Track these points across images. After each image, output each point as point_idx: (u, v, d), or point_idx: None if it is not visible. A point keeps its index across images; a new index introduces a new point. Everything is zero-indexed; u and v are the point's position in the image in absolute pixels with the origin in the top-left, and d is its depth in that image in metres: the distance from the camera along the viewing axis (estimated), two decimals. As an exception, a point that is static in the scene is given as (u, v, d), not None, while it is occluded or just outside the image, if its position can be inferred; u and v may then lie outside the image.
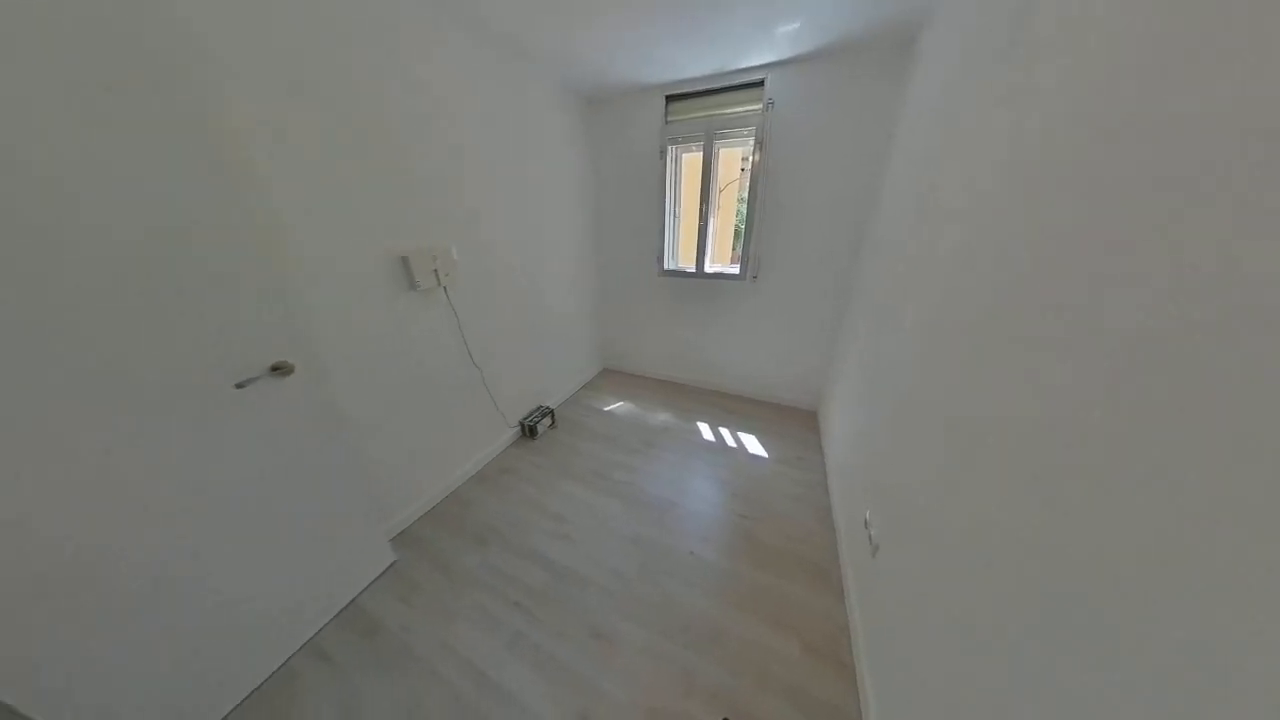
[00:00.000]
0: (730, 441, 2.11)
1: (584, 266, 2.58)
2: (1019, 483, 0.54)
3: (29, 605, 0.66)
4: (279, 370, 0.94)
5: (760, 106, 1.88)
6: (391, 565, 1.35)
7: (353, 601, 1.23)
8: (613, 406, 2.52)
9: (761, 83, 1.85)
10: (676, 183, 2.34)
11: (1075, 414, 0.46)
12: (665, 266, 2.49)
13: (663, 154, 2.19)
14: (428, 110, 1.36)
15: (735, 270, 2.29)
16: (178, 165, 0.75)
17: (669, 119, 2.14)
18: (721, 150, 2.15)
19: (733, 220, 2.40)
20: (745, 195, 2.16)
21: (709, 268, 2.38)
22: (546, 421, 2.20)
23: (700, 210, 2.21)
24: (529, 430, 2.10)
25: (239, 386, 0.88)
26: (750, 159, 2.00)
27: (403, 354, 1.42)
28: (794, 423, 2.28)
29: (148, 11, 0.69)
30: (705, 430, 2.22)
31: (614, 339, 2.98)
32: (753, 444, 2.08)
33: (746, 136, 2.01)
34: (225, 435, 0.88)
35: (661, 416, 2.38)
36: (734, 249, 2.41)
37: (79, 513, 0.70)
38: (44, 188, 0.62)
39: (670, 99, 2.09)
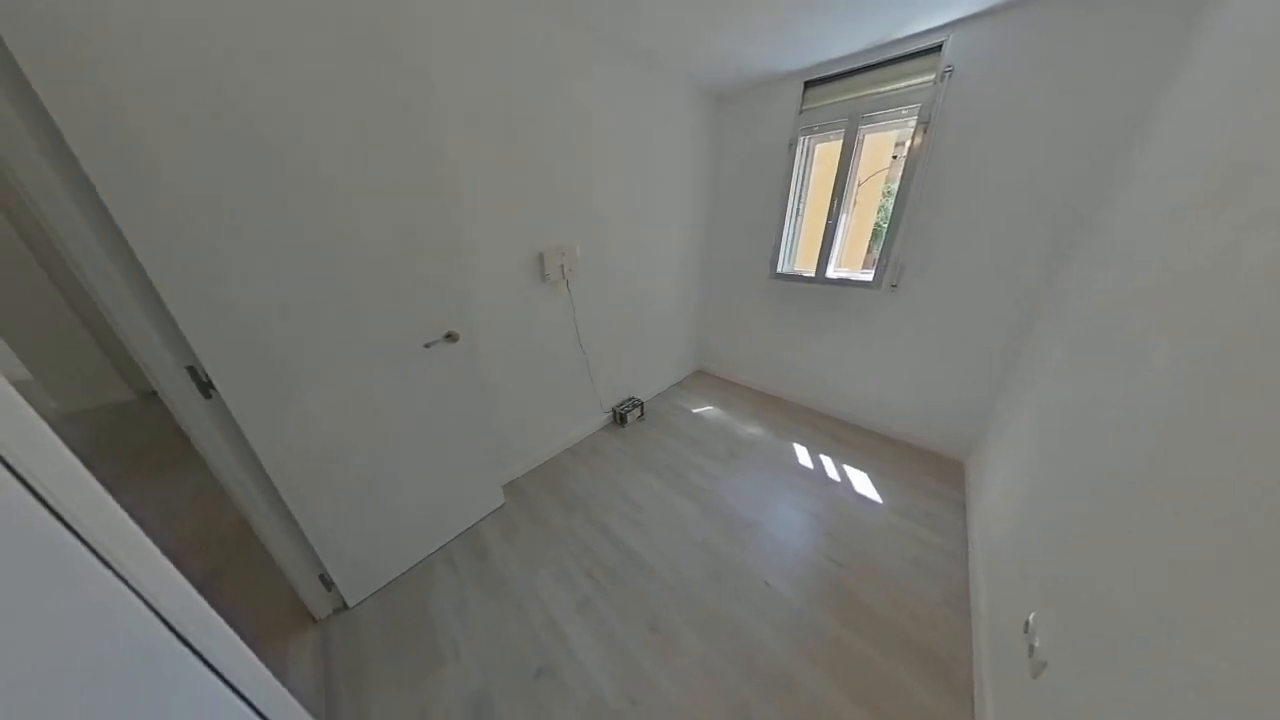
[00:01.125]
0: (832, 473, 1.83)
1: (689, 266, 2.59)
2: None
3: (313, 468, 1.04)
4: (450, 338, 1.23)
5: (932, 78, 1.54)
6: (501, 506, 1.64)
7: (472, 527, 1.54)
8: (702, 409, 2.47)
9: (938, 48, 1.51)
10: (804, 177, 2.12)
11: None
12: (778, 269, 2.30)
13: (792, 146, 2.01)
14: (572, 126, 1.56)
15: (867, 276, 1.96)
16: (412, 184, 1.05)
17: (804, 107, 1.94)
18: (868, 136, 1.85)
19: (871, 218, 2.05)
20: (893, 188, 1.81)
21: (833, 272, 2.10)
22: (636, 413, 2.31)
23: (830, 207, 1.95)
24: (619, 418, 2.24)
25: (426, 346, 1.19)
26: (907, 144, 1.67)
27: (528, 335, 1.68)
28: (926, 469, 1.84)
29: (403, 69, 0.97)
30: (802, 454, 1.98)
31: (711, 341, 2.91)
32: (862, 482, 1.76)
33: (906, 117, 1.68)
34: (414, 381, 1.20)
35: (752, 429, 2.23)
36: (869, 251, 2.06)
37: (342, 418, 1.07)
38: (344, 201, 0.95)
39: (810, 84, 1.89)
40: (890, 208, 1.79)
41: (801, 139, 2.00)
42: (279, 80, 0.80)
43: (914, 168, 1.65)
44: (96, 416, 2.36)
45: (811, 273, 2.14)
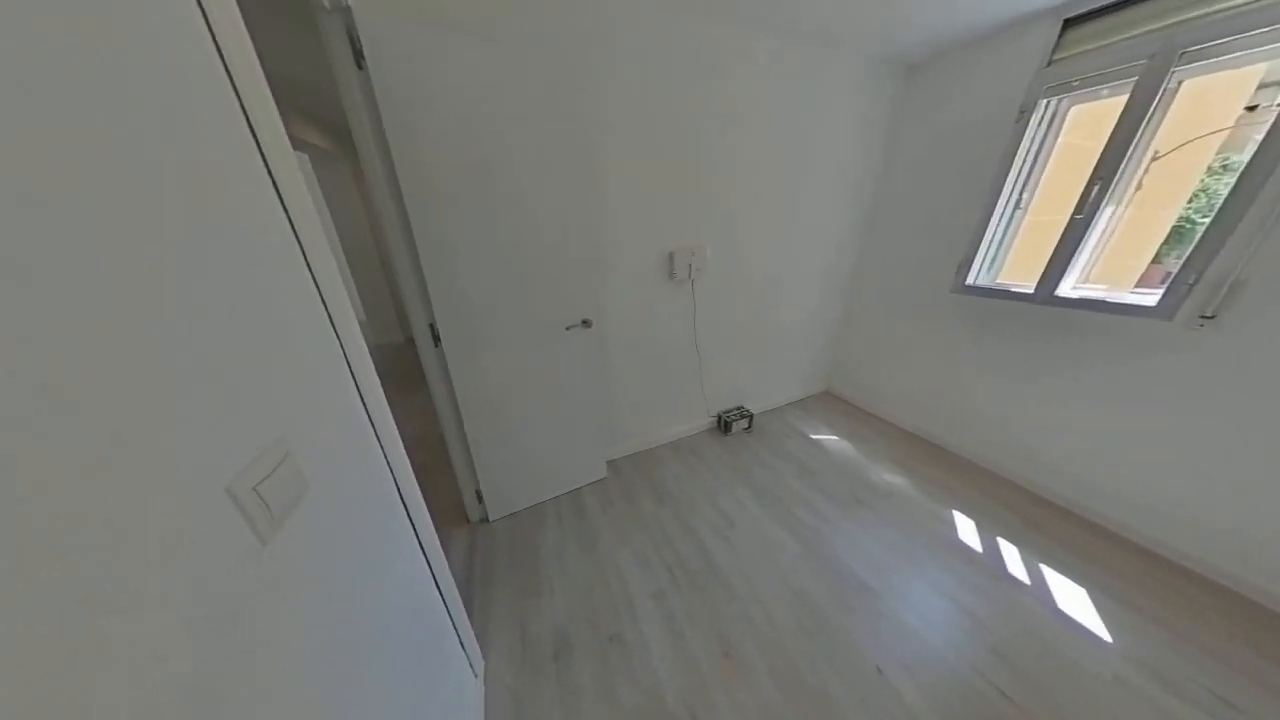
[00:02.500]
0: (1015, 569, 1.31)
1: (835, 272, 2.24)
2: None
3: (483, 408, 1.38)
4: (585, 324, 1.43)
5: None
6: (602, 479, 1.82)
7: (578, 489, 1.76)
8: (823, 437, 2.14)
9: None
10: (1038, 153, 1.53)
11: None
12: (970, 280, 1.75)
13: (1025, 113, 1.48)
14: (718, 125, 1.55)
15: (1147, 299, 1.30)
16: (574, 189, 1.25)
17: (1057, 56, 1.39)
18: (1186, 83, 1.20)
19: (1173, 209, 1.33)
20: (1234, 159, 1.13)
21: (1072, 290, 1.48)
22: (743, 423, 2.18)
23: (1084, 194, 1.36)
24: (724, 425, 2.15)
25: (567, 329, 1.41)
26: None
27: (649, 329, 1.79)
28: (1230, 623, 1.11)
29: (581, 90, 1.15)
30: (966, 529, 1.49)
31: (849, 361, 2.47)
32: (1073, 599, 1.20)
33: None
34: (553, 356, 1.44)
35: (890, 476, 1.80)
36: (1157, 261, 1.36)
37: (505, 375, 1.37)
38: (528, 206, 1.20)
39: (1075, 21, 1.34)
40: (1222, 192, 1.12)
41: (1044, 102, 1.45)
42: (503, 116, 1.06)
43: (1300, 122, 0.98)
44: (385, 350, 3.73)
45: (1030, 288, 1.55)
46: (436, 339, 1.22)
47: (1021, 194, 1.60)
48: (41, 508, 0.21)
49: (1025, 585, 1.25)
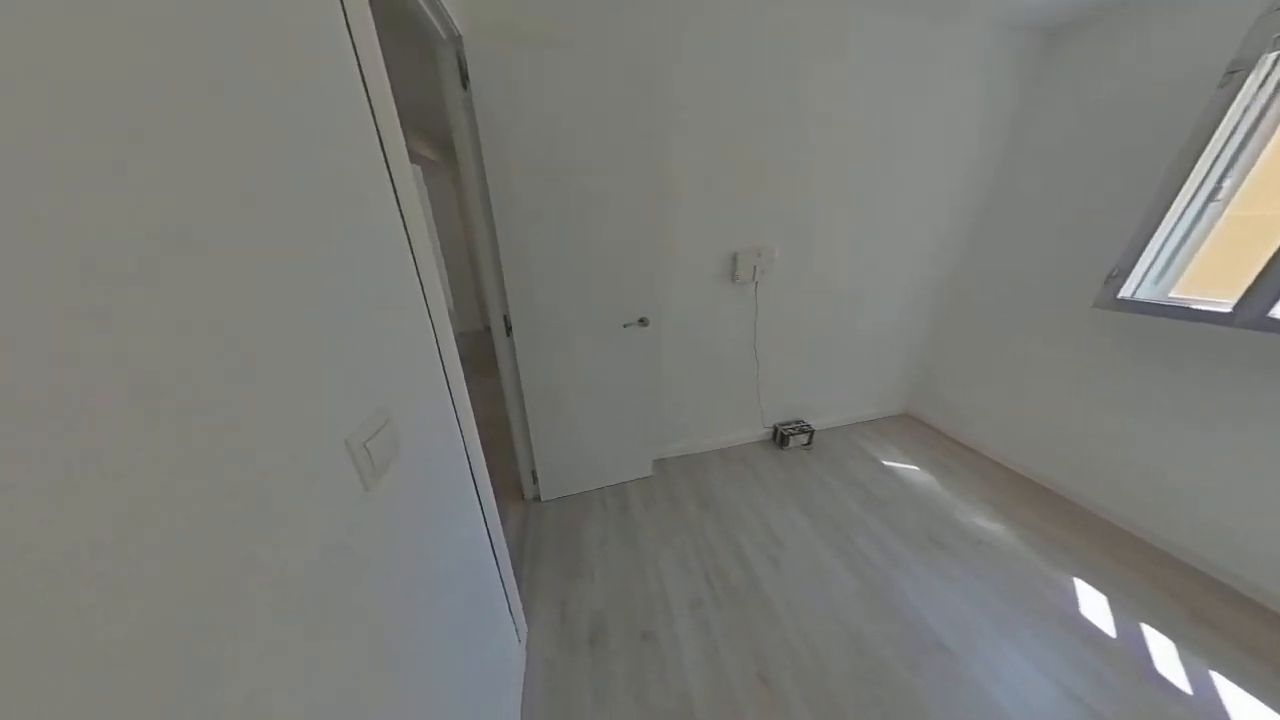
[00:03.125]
0: (1173, 672, 1.01)
1: (927, 279, 1.95)
2: None
3: (544, 395, 1.49)
4: (642, 323, 1.45)
5: None
6: (647, 477, 1.83)
7: (623, 484, 1.80)
8: (897, 464, 1.89)
9: None
10: (1252, 127, 1.15)
11: None
12: (1127, 293, 1.39)
13: (1235, 74, 1.12)
14: (799, 121, 1.44)
15: None
16: (642, 190, 1.27)
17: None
18: None
19: None
20: None
21: None
22: (802, 439, 2.02)
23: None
24: (780, 438, 2.02)
25: (624, 327, 1.45)
26: None
27: (705, 331, 1.75)
28: None
29: (654, 96, 1.16)
30: (1091, 601, 1.19)
31: (939, 381, 2.14)
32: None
33: None
34: (610, 352, 1.49)
35: (984, 521, 1.52)
36: None
37: (564, 366, 1.46)
38: (599, 208, 1.26)
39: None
40: None
41: (1270, 57, 1.08)
42: (580, 121, 1.13)
43: None
44: (466, 337, 4.21)
45: (1226, 306, 1.18)
46: (509, 329, 1.34)
47: (1221, 181, 1.21)
48: (234, 441, 0.28)
49: (1184, 694, 0.96)
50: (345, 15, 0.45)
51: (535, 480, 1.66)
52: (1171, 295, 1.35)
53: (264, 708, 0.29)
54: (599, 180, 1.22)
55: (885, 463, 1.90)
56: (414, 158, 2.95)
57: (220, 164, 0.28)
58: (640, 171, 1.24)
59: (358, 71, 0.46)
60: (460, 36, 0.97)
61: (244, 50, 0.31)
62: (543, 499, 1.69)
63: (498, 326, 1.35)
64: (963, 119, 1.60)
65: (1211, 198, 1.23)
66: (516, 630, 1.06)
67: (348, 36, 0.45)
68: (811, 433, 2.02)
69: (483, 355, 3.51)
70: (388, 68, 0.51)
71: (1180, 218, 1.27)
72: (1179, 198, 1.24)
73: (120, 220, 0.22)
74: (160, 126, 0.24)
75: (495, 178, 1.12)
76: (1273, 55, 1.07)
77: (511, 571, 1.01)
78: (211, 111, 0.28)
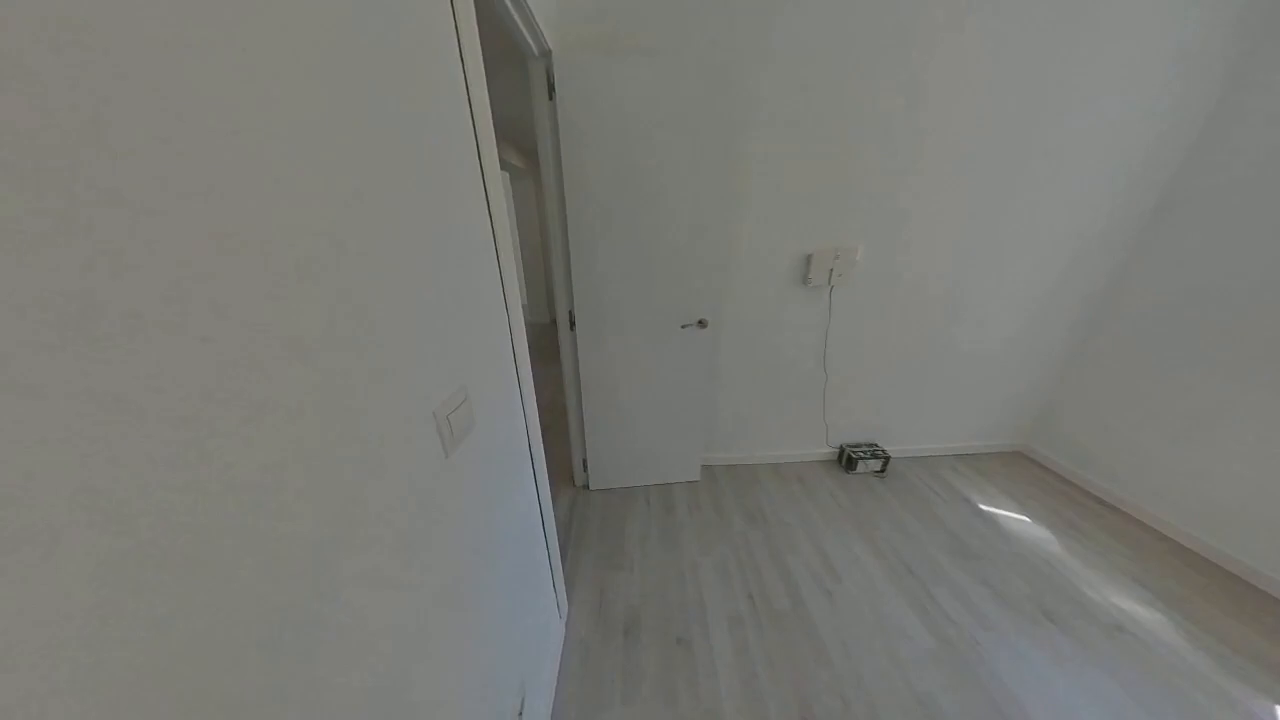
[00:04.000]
0: None
1: (1066, 291, 1.59)
2: None
3: (600, 388, 1.55)
4: (701, 324, 1.43)
5: None
6: (694, 481, 1.80)
7: (670, 485, 1.79)
8: (1000, 511, 1.58)
9: None
10: None
11: None
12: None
13: None
14: (899, 106, 1.27)
15: None
16: (713, 190, 1.25)
17: None
18: None
19: None
20: None
21: None
22: (874, 464, 1.80)
23: None
24: (847, 460, 1.83)
25: (683, 327, 1.44)
26: None
27: (768, 336, 1.65)
28: None
29: (733, 91, 1.12)
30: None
31: (1073, 416, 1.73)
32: None
33: None
34: (666, 352, 1.49)
35: (1126, 602, 1.20)
36: None
37: (621, 362, 1.51)
38: (667, 207, 1.26)
39: None
40: None
41: None
42: (654, 124, 1.14)
43: None
44: (535, 328, 4.58)
45: None
46: (573, 323, 1.42)
47: None
48: (356, 401, 0.35)
49: None
50: (459, 45, 0.52)
51: (585, 468, 1.75)
52: None
53: (360, 620, 0.35)
54: (670, 180, 1.22)
55: (983, 507, 1.60)
56: (503, 165, 3.28)
57: (363, 176, 0.35)
58: (713, 171, 1.22)
59: (465, 93, 0.53)
60: (550, 51, 1.05)
61: (385, 78, 0.37)
62: (591, 487, 1.77)
63: (563, 320, 1.44)
64: (1144, 83, 1.27)
65: None
66: (559, 606, 1.13)
67: (460, 63, 0.52)
68: (886, 459, 1.79)
69: (548, 345, 3.77)
70: (490, 86, 0.58)
71: None
72: None
73: (289, 224, 0.28)
74: (323, 146, 0.31)
75: (572, 180, 1.19)
76: None
77: (558, 551, 1.07)
78: (363, 132, 0.34)
